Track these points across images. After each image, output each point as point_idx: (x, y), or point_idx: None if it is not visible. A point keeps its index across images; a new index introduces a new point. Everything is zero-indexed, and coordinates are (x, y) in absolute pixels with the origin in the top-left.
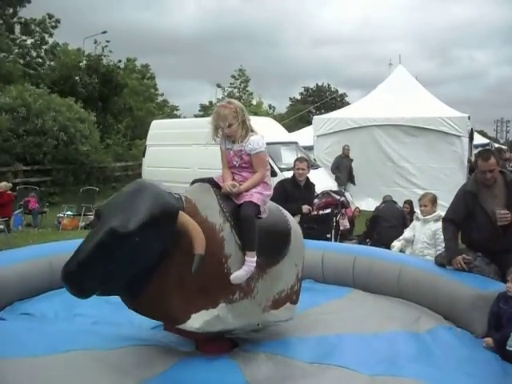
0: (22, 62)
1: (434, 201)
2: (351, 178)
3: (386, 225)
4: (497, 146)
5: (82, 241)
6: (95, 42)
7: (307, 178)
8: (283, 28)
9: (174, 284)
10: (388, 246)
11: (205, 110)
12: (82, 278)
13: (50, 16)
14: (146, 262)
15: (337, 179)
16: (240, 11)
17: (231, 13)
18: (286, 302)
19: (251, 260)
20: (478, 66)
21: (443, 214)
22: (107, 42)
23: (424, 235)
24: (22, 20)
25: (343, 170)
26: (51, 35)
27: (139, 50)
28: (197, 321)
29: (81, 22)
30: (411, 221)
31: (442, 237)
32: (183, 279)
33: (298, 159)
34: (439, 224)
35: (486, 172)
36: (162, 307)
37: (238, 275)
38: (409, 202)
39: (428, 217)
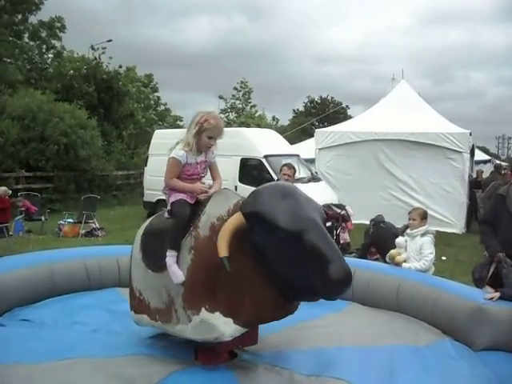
0: (28, 67)
1: (423, 216)
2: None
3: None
4: (498, 162)
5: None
6: (92, 48)
7: None
8: (288, 46)
9: None
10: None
11: None
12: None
13: (59, 19)
14: None
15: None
16: (248, 30)
17: (240, 31)
18: None
19: None
20: (475, 86)
21: (434, 228)
22: (110, 58)
23: (412, 251)
24: (30, 26)
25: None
26: (60, 39)
27: (152, 64)
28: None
29: (97, 37)
30: None
31: (426, 251)
32: None
33: (285, 165)
34: (424, 239)
35: None
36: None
37: None
38: None
39: (414, 231)
